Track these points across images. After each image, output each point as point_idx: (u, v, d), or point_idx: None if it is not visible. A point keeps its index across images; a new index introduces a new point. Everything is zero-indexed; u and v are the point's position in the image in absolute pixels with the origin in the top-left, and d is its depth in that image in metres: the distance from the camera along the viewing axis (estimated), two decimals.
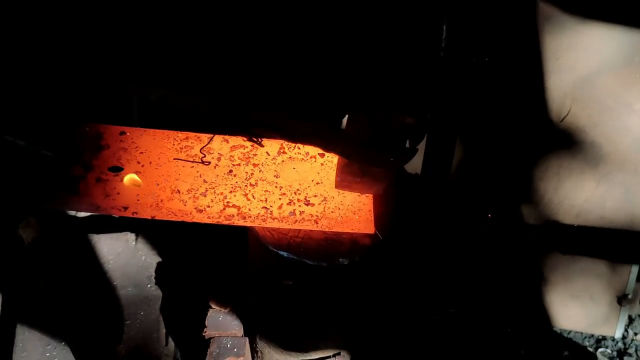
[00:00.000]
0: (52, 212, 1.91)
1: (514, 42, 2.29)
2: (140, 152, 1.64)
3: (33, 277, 1.87)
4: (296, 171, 1.64)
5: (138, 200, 1.54)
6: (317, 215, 1.55)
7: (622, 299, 2.57)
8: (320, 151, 1.68)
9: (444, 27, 1.90)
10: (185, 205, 1.54)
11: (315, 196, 1.59)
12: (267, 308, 1.72)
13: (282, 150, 1.68)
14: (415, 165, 2.35)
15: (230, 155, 1.65)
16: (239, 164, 1.64)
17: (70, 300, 1.89)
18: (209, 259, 2.05)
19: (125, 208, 1.52)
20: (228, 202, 1.56)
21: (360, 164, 1.42)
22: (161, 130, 1.69)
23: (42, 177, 1.54)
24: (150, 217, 1.53)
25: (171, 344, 2.01)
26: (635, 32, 2.15)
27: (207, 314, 1.84)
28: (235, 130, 1.85)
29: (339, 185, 1.55)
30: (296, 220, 1.54)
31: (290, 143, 1.59)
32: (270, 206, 1.56)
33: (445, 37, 1.93)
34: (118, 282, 1.95)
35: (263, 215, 1.54)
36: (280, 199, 1.58)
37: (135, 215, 1.52)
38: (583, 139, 2.35)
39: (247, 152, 1.67)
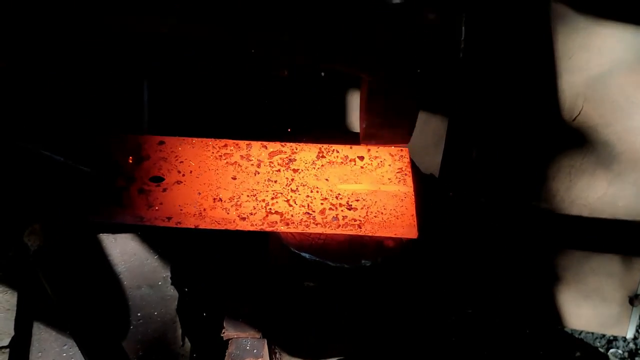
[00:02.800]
0: (59, 217, 1.89)
1: (526, 41, 2.29)
2: (180, 162, 1.64)
3: (40, 284, 1.85)
4: (336, 175, 1.63)
5: (181, 210, 1.53)
6: (360, 220, 1.54)
7: (633, 299, 2.57)
8: (361, 154, 1.66)
9: (463, 27, 1.90)
10: (228, 213, 1.53)
11: (357, 200, 1.58)
12: (288, 309, 1.71)
13: (321, 155, 1.67)
14: (427, 165, 2.35)
15: (270, 162, 1.65)
16: (279, 170, 1.63)
17: (84, 301, 1.87)
18: (227, 259, 2.04)
19: (169, 218, 1.52)
20: (270, 209, 1.55)
21: (384, 90, 1.37)
22: (199, 139, 1.69)
23: (81, 191, 1.53)
24: (194, 227, 1.53)
25: (187, 344, 2.00)
26: None
27: (225, 315, 1.82)
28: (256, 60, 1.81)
29: (365, 134, 1.53)
30: (339, 225, 1.53)
31: (317, 64, 1.53)
32: (313, 211, 1.55)
33: (464, 38, 1.93)
34: (134, 282, 1.94)
35: (306, 221, 1.53)
36: (322, 204, 1.57)
37: (179, 225, 1.52)
38: (595, 139, 2.35)
39: (287, 157, 1.66)
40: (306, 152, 1.68)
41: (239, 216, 1.53)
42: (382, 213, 1.56)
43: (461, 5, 1.84)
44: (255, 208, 1.55)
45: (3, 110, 1.67)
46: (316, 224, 1.54)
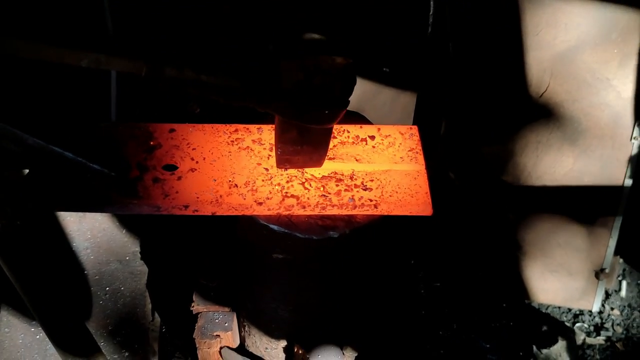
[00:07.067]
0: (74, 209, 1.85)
1: (494, 18, 2.31)
2: (193, 149, 1.61)
3: None
4: (349, 156, 1.62)
5: (197, 197, 1.51)
6: (376, 200, 1.53)
7: (599, 273, 2.62)
8: (371, 134, 1.66)
9: (432, 2, 1.91)
10: (244, 199, 1.52)
11: (372, 180, 1.57)
12: (257, 283, 1.71)
13: (332, 136, 1.65)
14: None
15: None
16: None
17: (45, 281, 1.85)
18: (196, 233, 2.04)
19: (186, 207, 1.50)
20: (286, 192, 1.54)
21: (297, 123, 1.39)
22: (210, 125, 1.67)
23: (95, 183, 1.50)
24: (211, 214, 1.51)
25: (157, 318, 2.00)
26: (613, 9, 2.18)
27: (194, 289, 1.83)
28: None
29: (280, 160, 1.53)
30: (355, 206, 1.52)
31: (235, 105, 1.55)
32: (329, 193, 1.54)
33: (432, 12, 1.94)
34: (102, 257, 1.93)
35: (322, 204, 1.52)
36: (337, 185, 1.56)
37: (196, 213, 1.51)
38: (562, 115, 2.38)
39: None
40: None
41: (255, 201, 1.52)
42: (396, 192, 1.55)
43: None
44: (271, 192, 1.54)
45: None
46: (332, 206, 1.53)
